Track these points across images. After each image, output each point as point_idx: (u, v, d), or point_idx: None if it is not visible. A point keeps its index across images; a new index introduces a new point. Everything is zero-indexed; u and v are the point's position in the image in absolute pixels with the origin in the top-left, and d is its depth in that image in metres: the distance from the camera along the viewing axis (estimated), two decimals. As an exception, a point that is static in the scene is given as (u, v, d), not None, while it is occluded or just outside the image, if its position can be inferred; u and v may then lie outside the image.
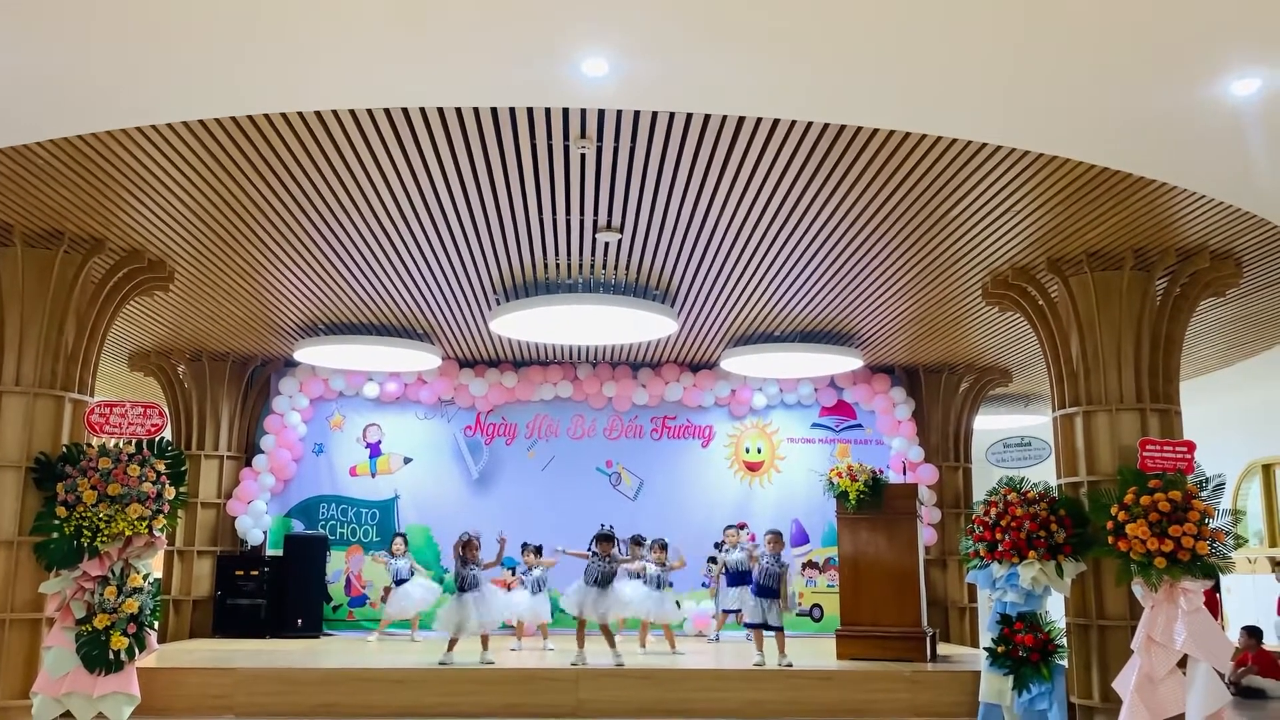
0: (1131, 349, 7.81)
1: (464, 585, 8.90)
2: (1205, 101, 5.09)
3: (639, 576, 9.86)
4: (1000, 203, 6.62)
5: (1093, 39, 4.55)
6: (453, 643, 8.81)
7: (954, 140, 5.61)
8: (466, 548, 9.00)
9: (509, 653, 9.74)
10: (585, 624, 8.78)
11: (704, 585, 11.62)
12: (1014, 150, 5.73)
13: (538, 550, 10.34)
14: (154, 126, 5.49)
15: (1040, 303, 8.27)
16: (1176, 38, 4.54)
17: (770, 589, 8.86)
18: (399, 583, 10.93)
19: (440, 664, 8.48)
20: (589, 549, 8.98)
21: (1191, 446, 7.32)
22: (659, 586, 9.96)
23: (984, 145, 5.67)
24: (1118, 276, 7.78)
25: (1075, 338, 8.01)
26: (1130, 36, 4.54)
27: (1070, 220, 6.95)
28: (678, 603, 10.31)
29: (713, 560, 11.28)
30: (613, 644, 8.72)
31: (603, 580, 8.80)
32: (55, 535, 7.16)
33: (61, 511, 7.16)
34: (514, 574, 10.65)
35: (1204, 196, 6.41)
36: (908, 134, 5.54)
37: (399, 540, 11.15)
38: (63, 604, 7.20)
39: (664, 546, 10.18)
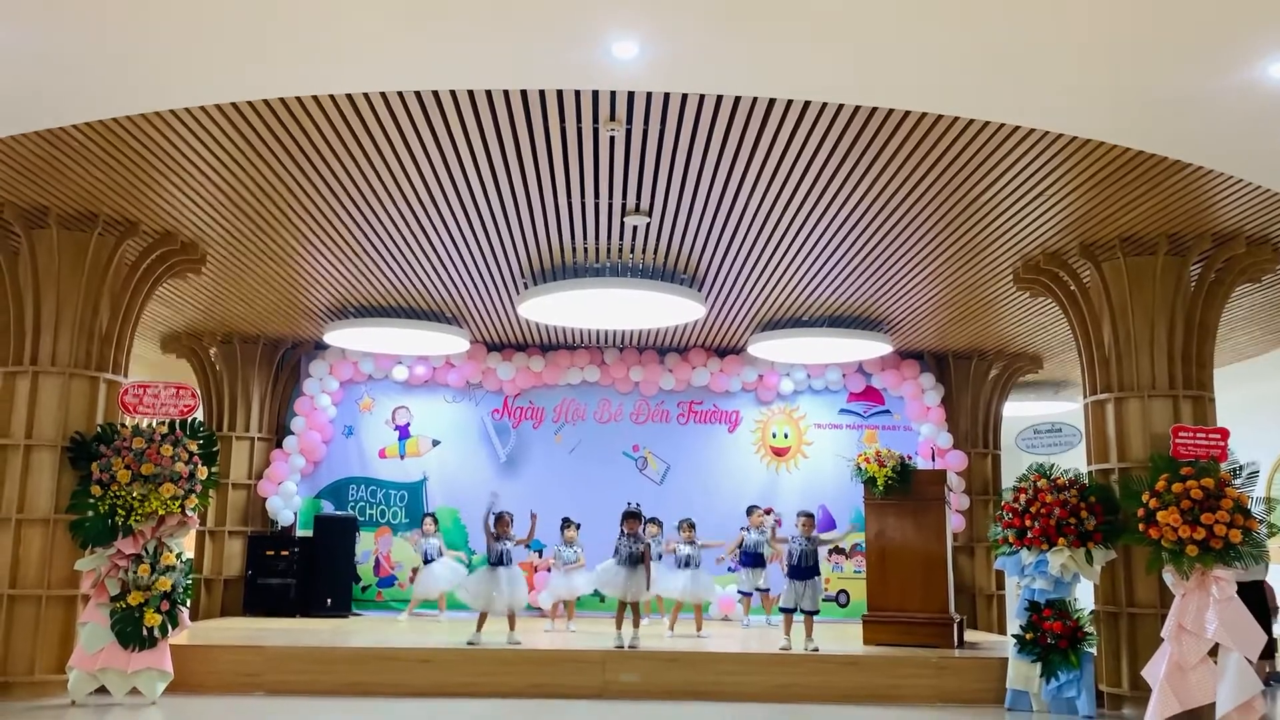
0: (1165, 335, 7.74)
1: (497, 560, 8.95)
2: (1243, 84, 5.02)
3: (668, 555, 9.89)
4: (1032, 187, 6.56)
5: (1128, 20, 4.50)
6: (482, 620, 8.86)
7: (986, 123, 5.56)
8: (499, 522, 9.06)
9: (542, 633, 9.83)
10: (624, 605, 8.79)
11: (730, 570, 11.65)
12: (1047, 133, 5.68)
13: (576, 526, 10.39)
14: (187, 109, 5.54)
15: (1072, 288, 8.20)
16: (1214, 19, 4.48)
17: (808, 570, 8.84)
18: (428, 562, 11.03)
19: (469, 644, 8.54)
20: (622, 530, 8.93)
21: (1225, 434, 7.25)
22: (689, 565, 10.00)
23: (1016, 128, 5.62)
24: (1151, 262, 7.70)
25: (1107, 323, 7.95)
26: (1167, 18, 4.48)
27: (1104, 205, 6.88)
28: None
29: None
30: (637, 624, 8.75)
31: (632, 559, 8.80)
32: (90, 514, 7.28)
33: (96, 490, 7.27)
34: (541, 556, 10.71)
35: (1240, 180, 6.33)
36: (939, 116, 5.51)
37: (429, 520, 11.24)
38: (97, 581, 7.32)
39: (692, 526, 10.22)
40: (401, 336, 10.73)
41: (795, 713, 7.61)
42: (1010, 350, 11.85)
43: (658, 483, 12.28)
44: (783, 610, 8.94)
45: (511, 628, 8.85)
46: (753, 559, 10.69)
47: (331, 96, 5.38)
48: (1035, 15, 4.49)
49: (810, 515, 9.24)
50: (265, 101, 5.43)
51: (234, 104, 5.47)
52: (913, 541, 9.28)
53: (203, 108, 5.52)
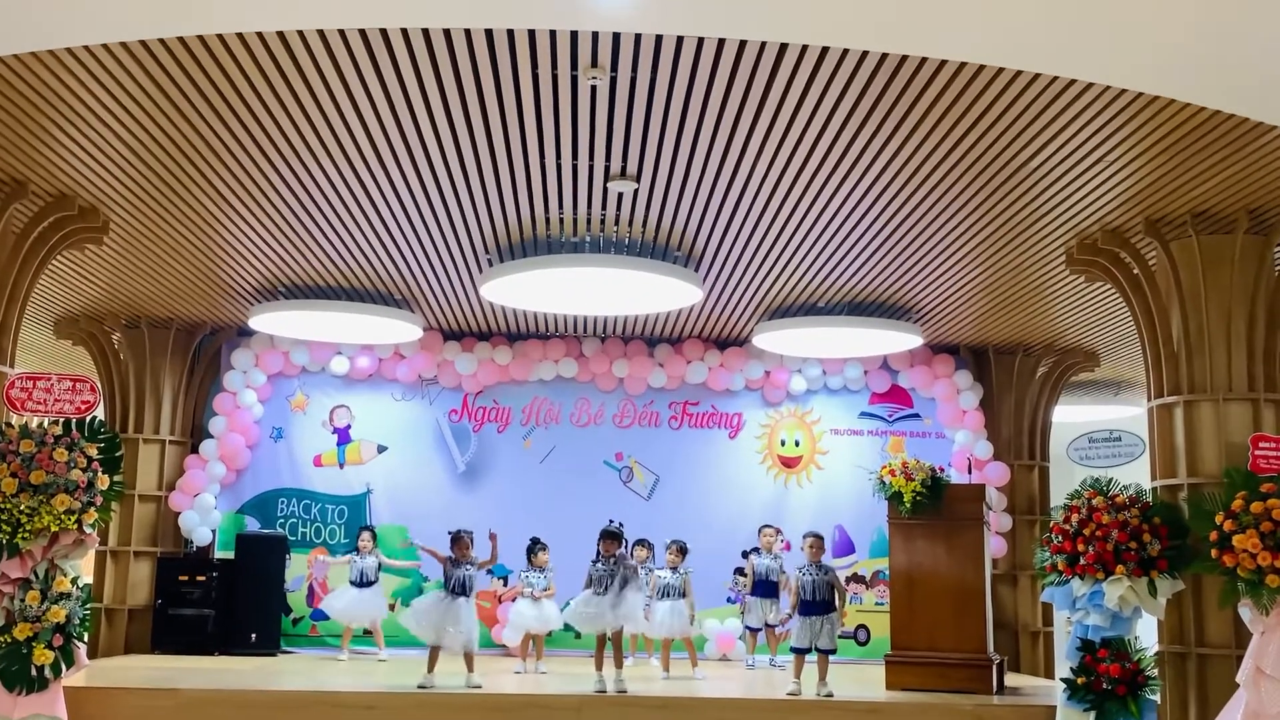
0: (1243, 327, 7.76)
1: (455, 588, 8.94)
2: (1341, 31, 5.02)
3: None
4: (1090, 152, 6.57)
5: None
6: (433, 658, 8.85)
7: (1036, 76, 5.55)
8: (457, 544, 9.04)
9: (511, 675, 9.83)
10: (604, 641, 8.80)
11: (729, 601, 11.65)
12: (1108, 89, 5.67)
13: (545, 548, 10.39)
14: (86, 48, 5.48)
15: (1135, 272, 8.22)
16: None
17: (820, 604, 8.85)
18: (360, 585, 10.96)
19: (420, 687, 8.53)
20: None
21: (1314, 445, 7.29)
22: (667, 596, 10.01)
23: (1072, 83, 5.61)
24: (1229, 241, 7.72)
25: (1176, 314, 7.97)
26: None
27: (1174, 174, 6.89)
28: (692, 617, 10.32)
29: (740, 572, 11.31)
30: (620, 663, 8.75)
31: (610, 586, 8.80)
32: (-32, 530, 7.22)
33: (-24, 503, 7.22)
34: (506, 584, 10.70)
35: (1336, 146, 6.36)
36: (981, 68, 5.49)
37: (366, 535, 11.18)
38: (-23, 611, 7.26)
39: (682, 550, 10.24)
40: (341, 322, 10.72)
41: (805, 770, 7.64)
42: (1061, 345, 11.88)
43: (645, 498, 12.29)
44: (794, 650, 8.95)
45: (470, 668, 8.85)
46: (765, 588, 10.68)
47: (259, 34, 5.33)
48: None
49: (819, 537, 9.24)
50: (180, 39, 5.38)
51: (141, 42, 5.42)
52: (945, 569, 9.29)
53: (105, 46, 5.46)
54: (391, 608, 11.23)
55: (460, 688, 8.55)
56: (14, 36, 5.38)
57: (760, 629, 10.89)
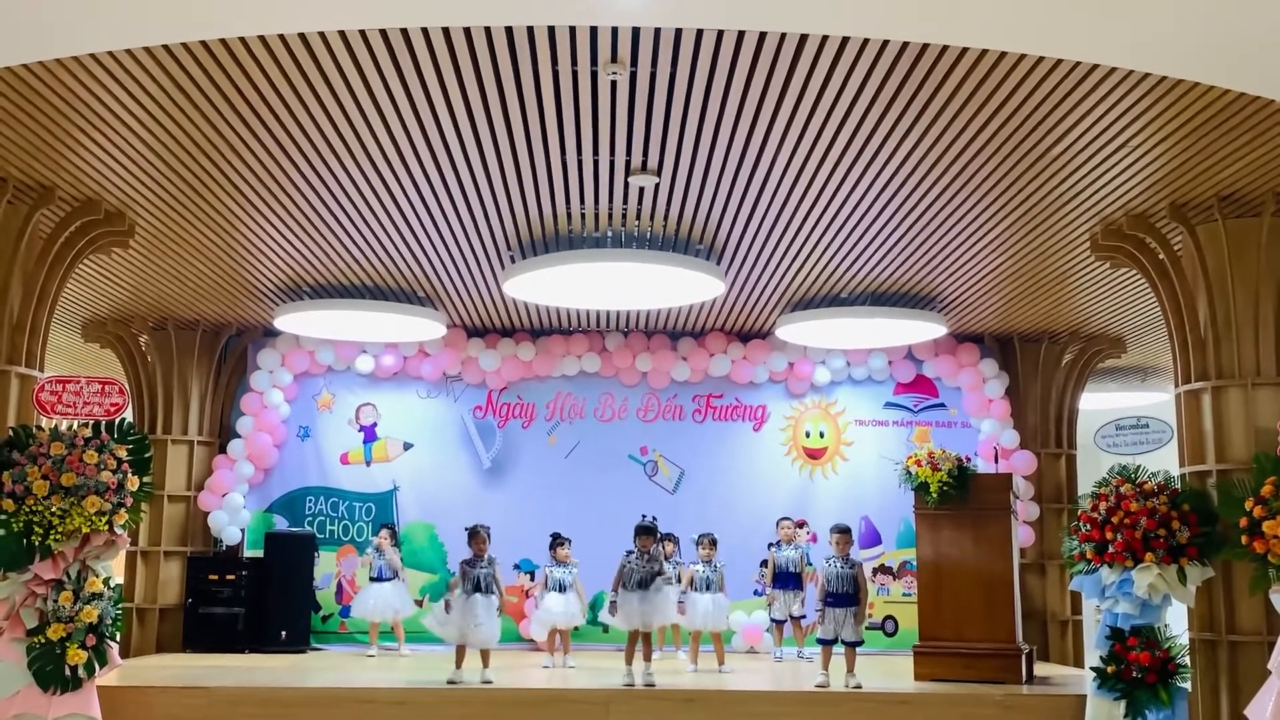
0: (1271, 312, 7.71)
1: (472, 587, 8.98)
2: (1366, 11, 4.98)
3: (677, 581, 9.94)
4: (1115, 136, 6.53)
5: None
6: (460, 655, 8.90)
7: (1058, 62, 5.53)
8: (474, 539, 9.08)
9: (539, 670, 9.89)
10: (635, 637, 8.82)
11: (756, 594, 11.66)
12: (1131, 73, 5.64)
13: (567, 542, 10.42)
14: (110, 54, 5.51)
15: (1161, 257, 8.18)
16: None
17: (846, 596, 8.85)
18: (375, 580, 11.04)
19: (449, 682, 8.59)
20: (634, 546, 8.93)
21: (1345, 429, 7.23)
22: (708, 589, 10.05)
23: (1095, 67, 5.58)
24: (1256, 225, 7.67)
25: (1203, 299, 7.93)
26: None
27: (1198, 157, 6.85)
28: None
29: (763, 564, 11.32)
30: (649, 657, 8.77)
31: (645, 582, 8.81)
32: (1, 533, 7.28)
33: (8, 505, 7.25)
34: (532, 579, 10.75)
35: (1363, 127, 6.30)
36: (1003, 54, 5.47)
37: (384, 533, 11.22)
38: (11, 612, 7.31)
39: (713, 543, 10.30)
40: (366, 321, 10.75)
41: (835, 762, 7.64)
42: (1087, 332, 11.82)
43: (670, 491, 12.30)
44: (821, 642, 8.95)
45: (485, 664, 8.90)
46: (786, 580, 10.71)
47: (280, 36, 5.35)
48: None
49: (847, 530, 9.21)
50: (203, 43, 5.40)
51: (164, 46, 5.44)
52: (972, 559, 9.28)
53: (128, 51, 5.49)
54: (419, 604, 11.28)
55: (477, 684, 8.59)
56: (38, 43, 5.41)
57: (785, 621, 10.89)
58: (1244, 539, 6.96)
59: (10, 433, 7.61)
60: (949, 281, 9.86)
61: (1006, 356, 12.30)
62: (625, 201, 7.89)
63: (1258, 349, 7.72)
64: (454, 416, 12.44)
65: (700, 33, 5.34)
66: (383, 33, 5.34)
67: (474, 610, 8.91)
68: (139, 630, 11.52)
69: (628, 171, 7.30)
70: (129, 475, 7.56)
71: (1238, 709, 7.35)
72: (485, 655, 8.97)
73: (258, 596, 11.37)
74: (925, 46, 5.42)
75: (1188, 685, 7.76)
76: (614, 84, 5.94)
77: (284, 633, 11.36)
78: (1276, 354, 7.69)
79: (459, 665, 8.85)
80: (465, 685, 8.54)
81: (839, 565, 8.94)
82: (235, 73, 5.76)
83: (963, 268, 9.40)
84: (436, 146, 6.83)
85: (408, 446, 12.42)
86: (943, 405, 12.44)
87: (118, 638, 7.67)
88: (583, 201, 7.89)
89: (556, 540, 10.42)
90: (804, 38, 5.36)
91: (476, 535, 9.16)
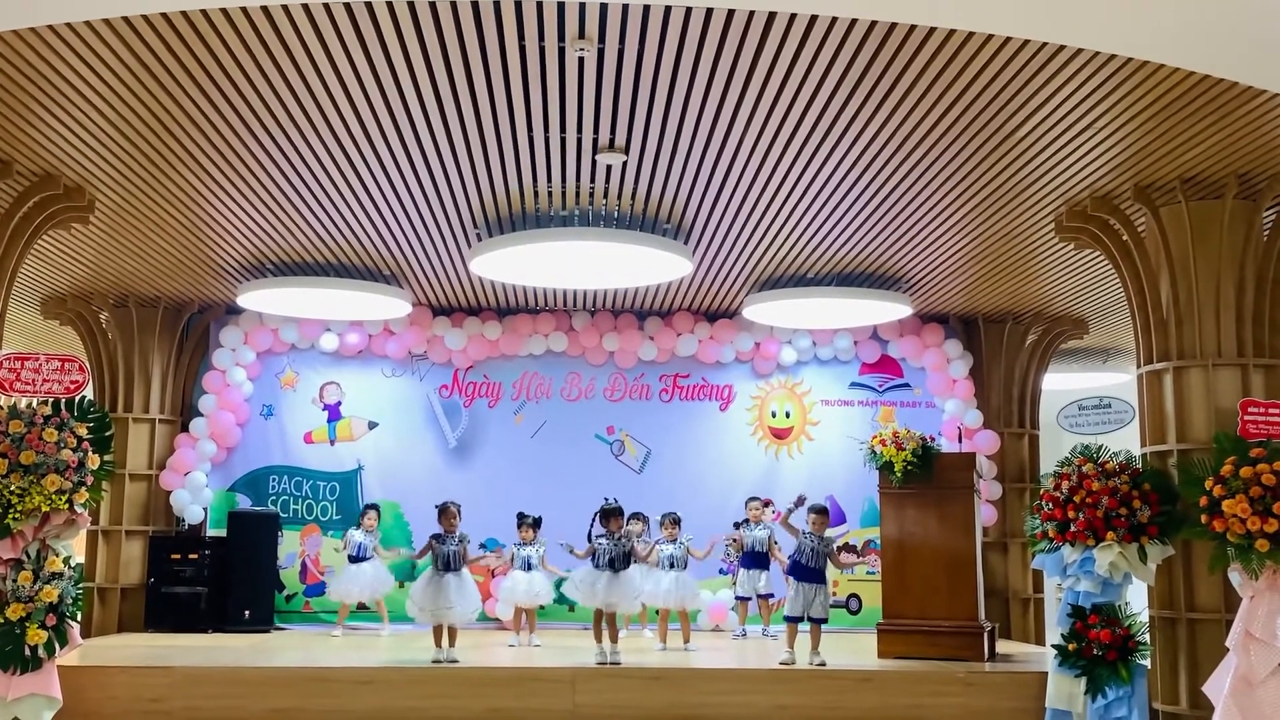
0: (1233, 293, 7.78)
1: (443, 564, 8.96)
2: (1329, -6, 5.02)
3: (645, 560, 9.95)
4: (1079, 119, 6.56)
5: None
6: (438, 635, 8.89)
7: (1025, 42, 5.54)
8: (444, 515, 9.07)
9: (504, 649, 9.89)
10: (602, 616, 8.84)
11: (722, 572, 11.69)
12: (1096, 55, 5.66)
13: (536, 523, 10.40)
14: (69, 25, 5.43)
15: (1124, 238, 8.23)
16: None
17: (817, 572, 8.89)
18: (355, 560, 11.01)
19: (434, 662, 8.60)
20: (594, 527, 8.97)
21: (1302, 409, 7.32)
22: (672, 567, 10.09)
23: (1060, 48, 5.60)
24: (1218, 207, 7.72)
25: (1165, 280, 7.98)
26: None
27: (1162, 139, 6.89)
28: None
29: (734, 542, 11.36)
30: (615, 638, 8.79)
31: (613, 564, 8.84)
32: (-41, 511, 7.21)
33: (-34, 484, 7.21)
34: (499, 556, 10.73)
35: (1324, 110, 6.36)
36: (970, 34, 5.47)
37: (372, 514, 11.21)
38: (-31, 592, 7.27)
39: (676, 521, 10.33)
40: (330, 298, 10.68)
41: (799, 739, 7.69)
42: (1051, 312, 11.91)
43: (636, 471, 12.32)
44: (788, 619, 8.98)
45: (451, 643, 8.87)
46: (753, 559, 10.77)
47: (242, 8, 5.28)
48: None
49: (825, 510, 9.26)
50: (162, 14, 5.33)
51: (124, 18, 5.36)
52: (936, 537, 9.34)
53: (87, 23, 5.41)
54: (401, 585, 11.25)
55: (442, 662, 8.59)
56: (-6, 13, 5.33)
57: (750, 599, 10.94)
58: (1204, 518, 7.04)
59: (-33, 410, 7.53)
60: (914, 262, 9.90)
61: (971, 337, 12.37)
62: (593, 180, 7.86)
63: (1219, 330, 7.79)
64: (419, 395, 12.40)
65: (669, 9, 5.31)
66: (346, 5, 5.28)
67: (445, 591, 8.88)
68: (100, 610, 11.43)
69: (595, 149, 7.27)
70: (89, 454, 7.52)
71: (1196, 685, 7.44)
72: (452, 633, 8.96)
73: (221, 576, 11.31)
74: (893, 26, 5.42)
75: (1147, 662, 7.85)
76: (581, 60, 5.91)
77: (247, 612, 11.31)
78: (1237, 335, 7.77)
79: (438, 644, 8.82)
80: (446, 665, 8.52)
81: (814, 541, 8.97)
82: (196, 45, 5.68)
83: (928, 248, 9.44)
84: (401, 122, 6.77)
85: (372, 425, 12.37)
86: (907, 385, 12.51)
87: (78, 617, 7.64)
88: (550, 179, 7.86)
89: (522, 520, 10.40)
90: (772, 15, 5.35)
91: (446, 511, 9.13)
